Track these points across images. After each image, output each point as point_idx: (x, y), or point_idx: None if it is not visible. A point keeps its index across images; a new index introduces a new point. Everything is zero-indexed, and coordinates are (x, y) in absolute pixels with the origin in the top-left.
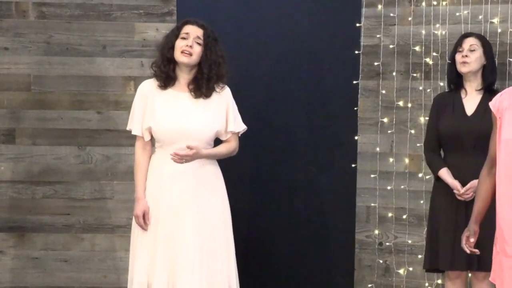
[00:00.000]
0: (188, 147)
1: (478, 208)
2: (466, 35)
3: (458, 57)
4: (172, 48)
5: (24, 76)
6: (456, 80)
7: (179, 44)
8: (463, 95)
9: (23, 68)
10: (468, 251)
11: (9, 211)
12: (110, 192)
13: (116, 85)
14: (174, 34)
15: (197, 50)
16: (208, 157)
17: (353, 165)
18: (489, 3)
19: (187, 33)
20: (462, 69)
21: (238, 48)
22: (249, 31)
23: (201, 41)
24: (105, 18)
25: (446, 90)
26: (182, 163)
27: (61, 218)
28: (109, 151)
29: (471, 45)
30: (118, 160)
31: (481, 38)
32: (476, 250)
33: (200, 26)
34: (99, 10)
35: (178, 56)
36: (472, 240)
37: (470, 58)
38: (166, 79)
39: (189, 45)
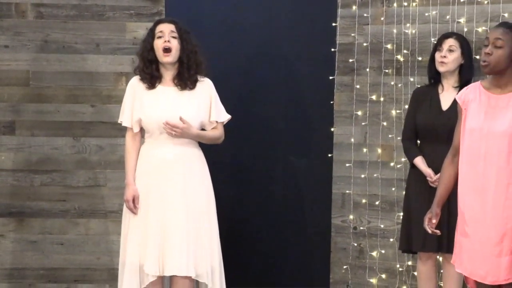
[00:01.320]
0: (181, 119)
1: (440, 193)
2: (447, 35)
3: (437, 56)
4: (151, 49)
5: (23, 72)
6: (435, 76)
7: (158, 43)
8: (440, 91)
9: (22, 65)
10: (429, 231)
11: (9, 197)
12: (103, 180)
13: (109, 80)
14: (150, 36)
15: (174, 43)
16: (198, 137)
17: (329, 155)
18: (456, 4)
19: (161, 31)
20: (440, 68)
21: (222, 44)
22: (232, 29)
23: (175, 35)
24: (98, 18)
25: (423, 85)
26: (171, 135)
27: (57, 204)
28: (102, 142)
29: (450, 45)
30: (111, 150)
31: (460, 39)
32: (437, 231)
33: (171, 21)
34: (93, 10)
35: (161, 57)
36: (434, 221)
37: (448, 59)
38: (151, 79)
39: (167, 40)
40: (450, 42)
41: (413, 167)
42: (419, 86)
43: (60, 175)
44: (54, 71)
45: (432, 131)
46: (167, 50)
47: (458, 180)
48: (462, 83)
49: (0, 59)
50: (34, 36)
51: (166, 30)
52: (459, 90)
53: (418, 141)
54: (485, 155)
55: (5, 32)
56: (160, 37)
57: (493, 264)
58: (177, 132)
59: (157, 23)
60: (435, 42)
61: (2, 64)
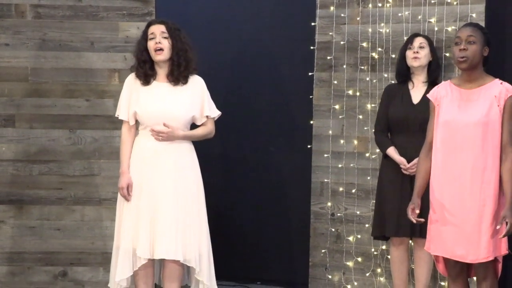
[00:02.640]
0: (165, 125)
1: (419, 185)
2: (416, 34)
3: (410, 53)
4: (145, 50)
5: (23, 68)
6: (405, 74)
7: (150, 44)
8: (410, 87)
9: (22, 62)
10: (414, 221)
11: (9, 186)
12: (98, 169)
13: (103, 76)
14: (143, 38)
15: (165, 43)
16: (185, 138)
17: (309, 146)
18: (427, 4)
19: (152, 33)
20: (413, 63)
21: (209, 43)
22: (218, 29)
23: (166, 35)
24: (92, 18)
25: (394, 82)
26: (159, 140)
27: (54, 192)
28: (97, 134)
29: (420, 43)
30: (105, 142)
31: (428, 38)
32: (422, 219)
33: (161, 22)
34: (88, 11)
35: (154, 56)
36: (417, 211)
37: (421, 54)
38: (146, 77)
39: (158, 42)
40: (420, 39)
41: (385, 157)
42: (392, 82)
43: (57, 165)
44: (51, 68)
45: (404, 123)
46: (159, 50)
47: (432, 171)
48: (431, 79)
49: (1, 56)
50: (33, 35)
51: (157, 31)
52: (428, 86)
53: (390, 134)
54: (461, 144)
55: (6, 31)
56: (152, 38)
57: (473, 244)
58: (163, 137)
59: (149, 25)
60: (405, 42)
61: (3, 61)
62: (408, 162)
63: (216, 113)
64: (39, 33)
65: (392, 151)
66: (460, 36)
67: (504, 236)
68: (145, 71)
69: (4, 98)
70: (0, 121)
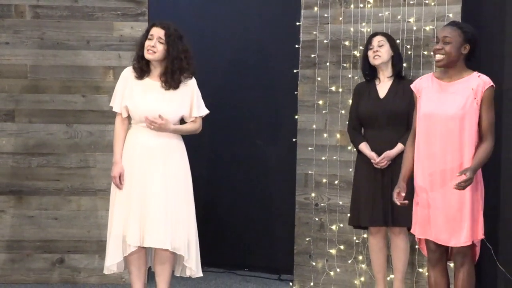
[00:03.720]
0: (160, 116)
1: (404, 170)
2: (374, 34)
3: (370, 53)
4: (143, 47)
5: (22, 66)
6: (370, 72)
7: (146, 43)
8: (377, 83)
9: (21, 59)
10: (398, 203)
11: (9, 177)
12: (93, 162)
13: (98, 73)
14: (144, 36)
15: (160, 48)
16: (175, 132)
17: (294, 139)
18: (406, 5)
19: (152, 35)
20: (375, 62)
21: (199, 42)
22: (208, 28)
23: (163, 40)
24: (88, 18)
25: (363, 81)
26: (150, 128)
27: (52, 183)
28: (92, 128)
29: (379, 41)
30: (100, 136)
31: (386, 35)
32: (406, 202)
33: (163, 27)
34: (84, 11)
35: (145, 53)
36: (402, 194)
37: (381, 52)
38: (141, 72)
39: (152, 45)
40: (378, 38)
41: (359, 152)
42: (358, 81)
43: (55, 158)
44: (49, 65)
45: (372, 118)
46: (151, 50)
47: (415, 160)
48: (396, 72)
49: (1, 54)
50: (32, 34)
51: (156, 34)
52: (393, 80)
53: (363, 129)
54: (441, 135)
55: (6, 31)
56: (150, 39)
57: (455, 229)
58: (155, 126)
59: (152, 25)
60: (365, 43)
61: (3, 59)
62: (379, 154)
63: (204, 112)
64: (37, 32)
65: (363, 147)
66: (438, 36)
67: (458, 186)
68: (141, 67)
69: (4, 94)
70: (0, 115)
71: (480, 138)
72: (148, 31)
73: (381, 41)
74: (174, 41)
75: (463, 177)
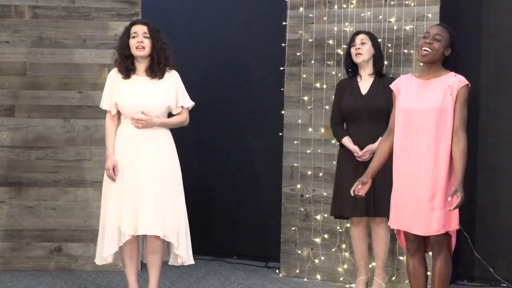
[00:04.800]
0: (143, 113)
1: (373, 165)
2: (357, 33)
3: (353, 50)
4: (127, 46)
5: (21, 63)
6: (353, 69)
7: (132, 42)
8: (359, 79)
9: (21, 57)
10: (352, 194)
11: (9, 169)
12: (89, 155)
13: (94, 70)
14: (126, 35)
15: (147, 43)
16: (162, 125)
17: (280, 134)
18: (387, 6)
19: (135, 32)
20: (357, 60)
21: (189, 40)
22: (199, 27)
23: (147, 35)
24: (85, 18)
25: (345, 77)
26: (139, 127)
27: (50, 175)
28: (88, 123)
29: (361, 39)
30: (95, 130)
31: (369, 34)
32: (361, 194)
33: (144, 23)
34: (80, 11)
35: (135, 51)
36: (359, 186)
37: (362, 50)
38: (127, 71)
39: (140, 41)
40: (361, 36)
41: (342, 146)
42: (342, 78)
43: (53, 151)
44: (47, 63)
45: (355, 113)
46: (140, 48)
47: (394, 153)
48: (376, 70)
49: (2, 52)
50: (31, 33)
51: (140, 31)
52: (374, 77)
53: (345, 124)
54: (418, 128)
55: (6, 30)
56: (134, 37)
57: (426, 219)
58: (142, 124)
59: (132, 24)
60: (349, 41)
61: (4, 56)
62: (361, 148)
63: (189, 103)
64: (36, 32)
65: (346, 141)
66: (430, 31)
67: (454, 208)
68: (127, 66)
69: (4, 90)
70: (1, 111)
71: (453, 134)
72: (129, 30)
73: (364, 39)
74: (156, 34)
75: (455, 200)
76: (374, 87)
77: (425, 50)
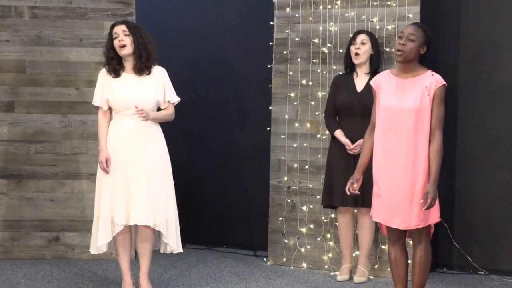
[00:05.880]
0: (136, 107)
1: (361, 161)
2: (359, 32)
3: (352, 48)
4: (111, 48)
5: (21, 61)
6: (351, 66)
7: (115, 43)
8: (355, 77)
9: (20, 55)
10: (348, 193)
11: (9, 162)
12: (85, 148)
13: (90, 68)
14: (110, 38)
15: (127, 40)
16: (154, 118)
17: (268, 128)
18: (370, 6)
19: (116, 33)
20: (354, 60)
21: (182, 39)
22: (190, 27)
23: (127, 32)
24: (81, 18)
25: (342, 73)
26: (143, 118)
27: (48, 168)
28: (85, 118)
29: (362, 39)
30: (91, 125)
31: (370, 35)
32: (356, 192)
33: (122, 22)
34: (77, 12)
35: (119, 51)
36: (355, 185)
37: (361, 50)
38: (115, 71)
39: (121, 39)
40: (362, 36)
41: (333, 138)
42: (340, 73)
43: (51, 145)
44: (46, 61)
45: (349, 108)
46: (122, 46)
47: (374, 151)
48: (373, 70)
49: (2, 51)
50: (30, 33)
51: (119, 30)
52: (370, 76)
53: (338, 118)
54: (397, 128)
55: (6, 29)
56: (116, 37)
57: (406, 214)
58: (144, 114)
59: (112, 26)
60: (350, 38)
61: (4, 55)
62: (353, 142)
63: (176, 99)
64: (35, 31)
65: (339, 133)
66: (404, 31)
67: (427, 208)
68: (113, 67)
69: (5, 86)
70: (1, 106)
71: (430, 133)
72: (111, 33)
73: (364, 40)
74: (136, 30)
75: (428, 199)
76: (369, 85)
77: (398, 51)
